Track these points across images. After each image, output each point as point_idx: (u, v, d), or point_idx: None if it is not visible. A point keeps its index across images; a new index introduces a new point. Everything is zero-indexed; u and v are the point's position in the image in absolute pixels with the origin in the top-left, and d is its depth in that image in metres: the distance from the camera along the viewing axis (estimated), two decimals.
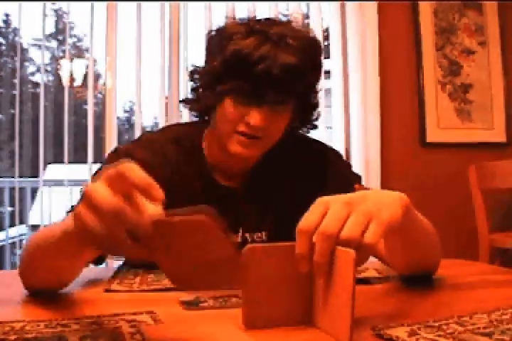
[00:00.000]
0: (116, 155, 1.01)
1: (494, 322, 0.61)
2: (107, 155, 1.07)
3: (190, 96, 1.06)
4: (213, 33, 1.01)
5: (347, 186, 0.97)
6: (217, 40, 0.99)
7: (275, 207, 1.07)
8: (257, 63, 0.91)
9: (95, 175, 1.00)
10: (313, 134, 1.16)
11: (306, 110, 1.04)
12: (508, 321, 0.62)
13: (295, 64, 0.91)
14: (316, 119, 1.08)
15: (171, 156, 1.04)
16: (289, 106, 0.98)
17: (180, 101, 1.09)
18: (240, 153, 0.97)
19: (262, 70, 0.90)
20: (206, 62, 1.02)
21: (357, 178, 1.11)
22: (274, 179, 1.08)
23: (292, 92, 0.96)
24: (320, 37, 2.79)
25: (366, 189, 1.02)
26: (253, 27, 0.95)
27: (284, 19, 1.03)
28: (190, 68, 1.06)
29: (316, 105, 1.06)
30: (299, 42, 0.94)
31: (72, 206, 0.94)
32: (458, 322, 0.61)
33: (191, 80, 1.05)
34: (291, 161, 1.09)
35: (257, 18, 1.01)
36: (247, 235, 1.05)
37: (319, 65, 1.02)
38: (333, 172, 1.09)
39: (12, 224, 4.58)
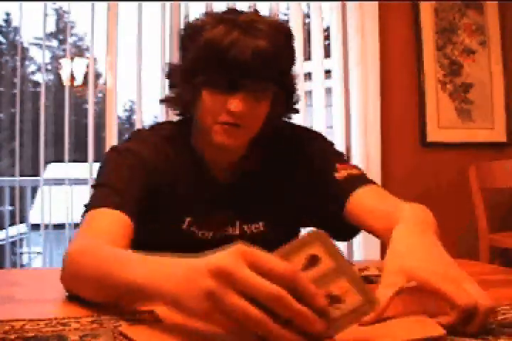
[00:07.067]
0: (121, 154, 1.00)
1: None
2: (106, 154, 1.03)
3: (169, 94, 1.05)
4: (184, 29, 1.01)
5: (327, 162, 1.04)
6: (189, 34, 0.99)
7: (269, 195, 1.07)
8: (227, 50, 0.91)
9: (99, 178, 0.99)
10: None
11: (286, 96, 1.03)
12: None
13: (265, 48, 0.91)
14: (296, 103, 1.07)
15: (169, 154, 1.04)
16: (267, 93, 0.97)
17: (160, 101, 1.08)
18: (224, 143, 0.96)
19: (233, 56, 0.90)
20: (180, 58, 1.02)
21: (339, 156, 1.10)
22: (265, 168, 1.08)
23: (267, 77, 0.95)
24: (320, 37, 2.80)
25: (349, 167, 1.03)
26: (222, 16, 0.95)
27: (250, 10, 1.02)
28: (166, 66, 1.06)
29: (293, 89, 1.05)
30: (268, 27, 0.93)
31: (86, 206, 0.92)
32: None
33: (168, 77, 1.05)
34: (278, 149, 1.09)
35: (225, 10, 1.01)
36: (245, 227, 1.05)
37: (292, 50, 1.01)
38: (314, 151, 1.09)
39: (12, 223, 4.57)
